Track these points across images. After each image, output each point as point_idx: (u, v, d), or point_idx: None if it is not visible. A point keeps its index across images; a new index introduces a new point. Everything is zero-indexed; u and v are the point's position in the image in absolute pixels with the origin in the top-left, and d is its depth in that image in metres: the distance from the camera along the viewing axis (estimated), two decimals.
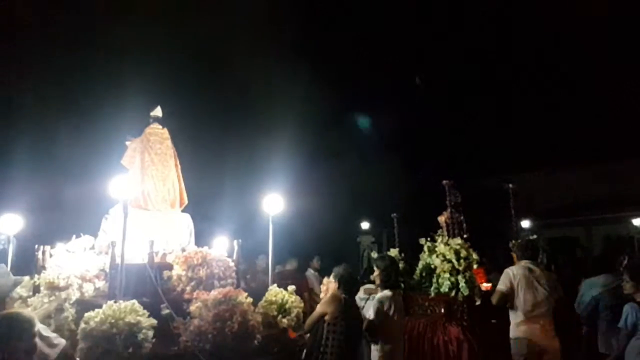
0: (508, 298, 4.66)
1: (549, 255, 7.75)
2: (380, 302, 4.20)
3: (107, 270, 3.91)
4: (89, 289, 3.89)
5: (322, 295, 4.78)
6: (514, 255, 5.03)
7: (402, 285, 5.27)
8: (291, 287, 4.36)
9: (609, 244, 16.01)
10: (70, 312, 3.64)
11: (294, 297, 4.25)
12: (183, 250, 4.48)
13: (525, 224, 11.60)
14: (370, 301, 4.53)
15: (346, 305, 3.97)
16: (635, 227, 13.98)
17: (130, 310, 3.30)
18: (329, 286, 4.41)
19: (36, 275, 3.92)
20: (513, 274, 4.70)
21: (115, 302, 3.33)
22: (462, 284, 5.21)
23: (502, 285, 4.73)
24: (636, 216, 14.41)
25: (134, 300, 3.38)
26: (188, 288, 4.08)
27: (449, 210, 5.85)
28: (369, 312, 4.24)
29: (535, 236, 6.56)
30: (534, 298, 4.56)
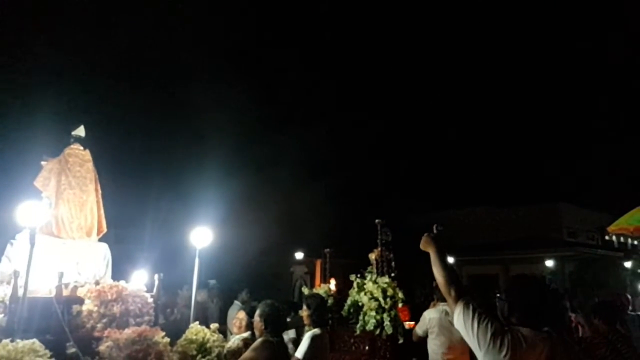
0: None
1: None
2: (312, 339, 4.12)
3: (7, 302, 3.52)
4: None
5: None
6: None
7: (330, 322, 5.28)
8: (214, 325, 4.15)
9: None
10: None
11: (216, 336, 4.04)
12: (97, 283, 4.15)
13: (450, 260, 12.07)
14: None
15: (278, 351, 3.80)
16: (547, 267, 15.14)
17: (29, 350, 2.98)
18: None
19: None
20: (429, 318, 4.93)
21: (12, 340, 3.00)
22: (386, 322, 5.24)
23: (418, 329, 5.05)
24: (548, 257, 15.64)
25: (35, 340, 3.06)
26: (99, 325, 3.77)
27: (379, 248, 5.93)
28: (298, 351, 4.14)
29: None
30: (449, 341, 4.73)
